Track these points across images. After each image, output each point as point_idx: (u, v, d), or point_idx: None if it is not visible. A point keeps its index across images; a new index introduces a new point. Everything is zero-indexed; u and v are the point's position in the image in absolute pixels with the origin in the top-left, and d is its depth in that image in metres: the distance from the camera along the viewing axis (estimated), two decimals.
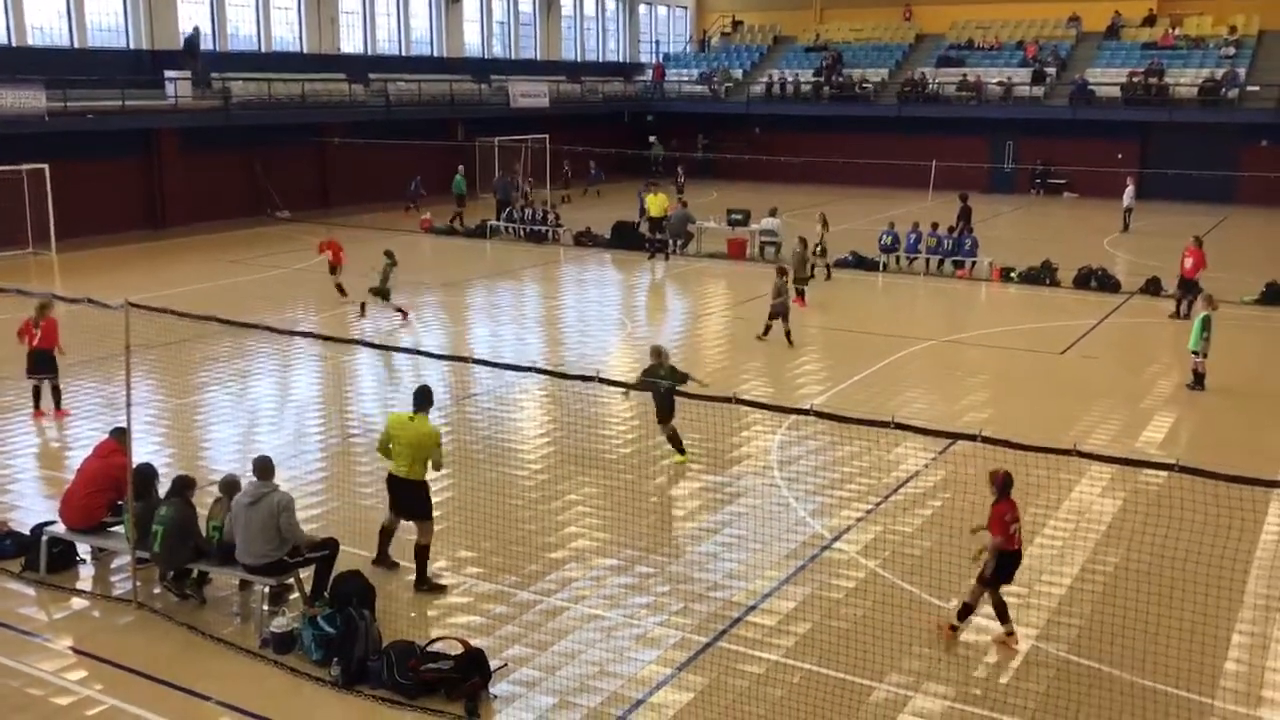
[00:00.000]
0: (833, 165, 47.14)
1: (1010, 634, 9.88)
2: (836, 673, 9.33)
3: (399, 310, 22.24)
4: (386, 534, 11.11)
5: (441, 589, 10.83)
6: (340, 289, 23.94)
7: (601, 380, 9.25)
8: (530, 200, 36.47)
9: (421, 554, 10.81)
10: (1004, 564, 9.74)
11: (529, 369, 10.48)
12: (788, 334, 20.70)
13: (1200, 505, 9.89)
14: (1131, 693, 9.05)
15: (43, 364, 16.01)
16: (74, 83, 31.61)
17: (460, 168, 37.95)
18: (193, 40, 36.76)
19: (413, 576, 10.86)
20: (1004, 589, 9.96)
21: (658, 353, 14.48)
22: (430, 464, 10.73)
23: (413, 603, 10.62)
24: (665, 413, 14.11)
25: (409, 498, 10.79)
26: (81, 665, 9.51)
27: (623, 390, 14.59)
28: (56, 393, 16.24)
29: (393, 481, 10.85)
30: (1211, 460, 7.46)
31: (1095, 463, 13.42)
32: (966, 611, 9.91)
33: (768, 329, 20.96)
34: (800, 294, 23.68)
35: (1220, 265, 28.10)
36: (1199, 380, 17.83)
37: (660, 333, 22.47)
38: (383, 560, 11.13)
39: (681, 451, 14.31)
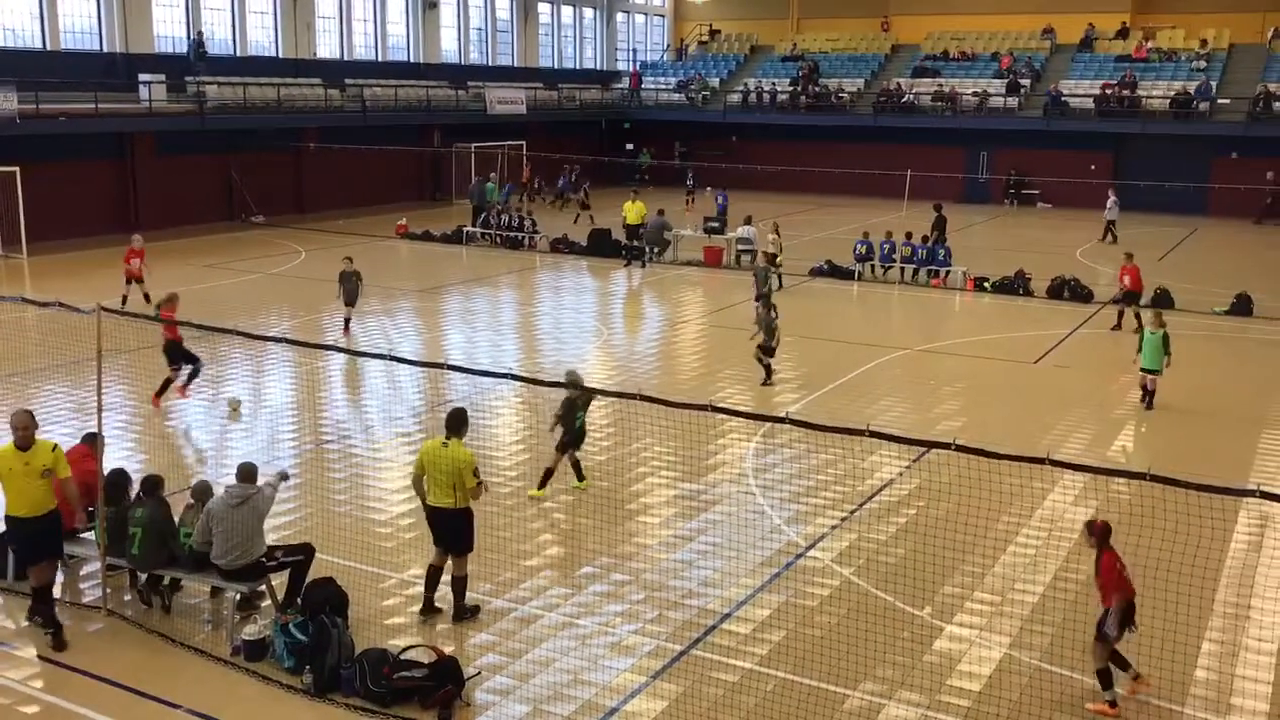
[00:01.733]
0: (809, 174, 47.37)
1: (1137, 677, 9.19)
2: (810, 681, 9.34)
3: (346, 321, 21.55)
4: (435, 573, 10.42)
5: (476, 610, 10.46)
6: (145, 297, 22.57)
7: (579, 388, 9.24)
8: (506, 207, 36.40)
9: (460, 586, 10.35)
10: (1127, 614, 8.97)
11: (505, 375, 10.45)
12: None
13: (1171, 514, 9.98)
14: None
15: None
16: (46, 85, 31.36)
17: (491, 174, 37.77)
18: (199, 44, 37.33)
19: (394, 597, 10.80)
20: (979, 596, 10.00)
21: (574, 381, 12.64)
22: (468, 492, 10.17)
23: (386, 610, 10.57)
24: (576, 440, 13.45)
25: (452, 528, 10.22)
26: (49, 673, 9.41)
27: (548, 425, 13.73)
28: None
29: (433, 514, 10.25)
30: (1182, 469, 7.52)
31: (1068, 472, 13.54)
32: (1107, 676, 8.99)
33: (768, 368, 18.76)
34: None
35: (1191, 277, 28.41)
36: (1149, 398, 17.50)
37: (637, 340, 22.48)
38: (430, 609, 10.41)
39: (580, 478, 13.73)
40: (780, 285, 26.94)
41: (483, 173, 40.04)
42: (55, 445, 9.85)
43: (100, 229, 33.06)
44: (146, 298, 22.95)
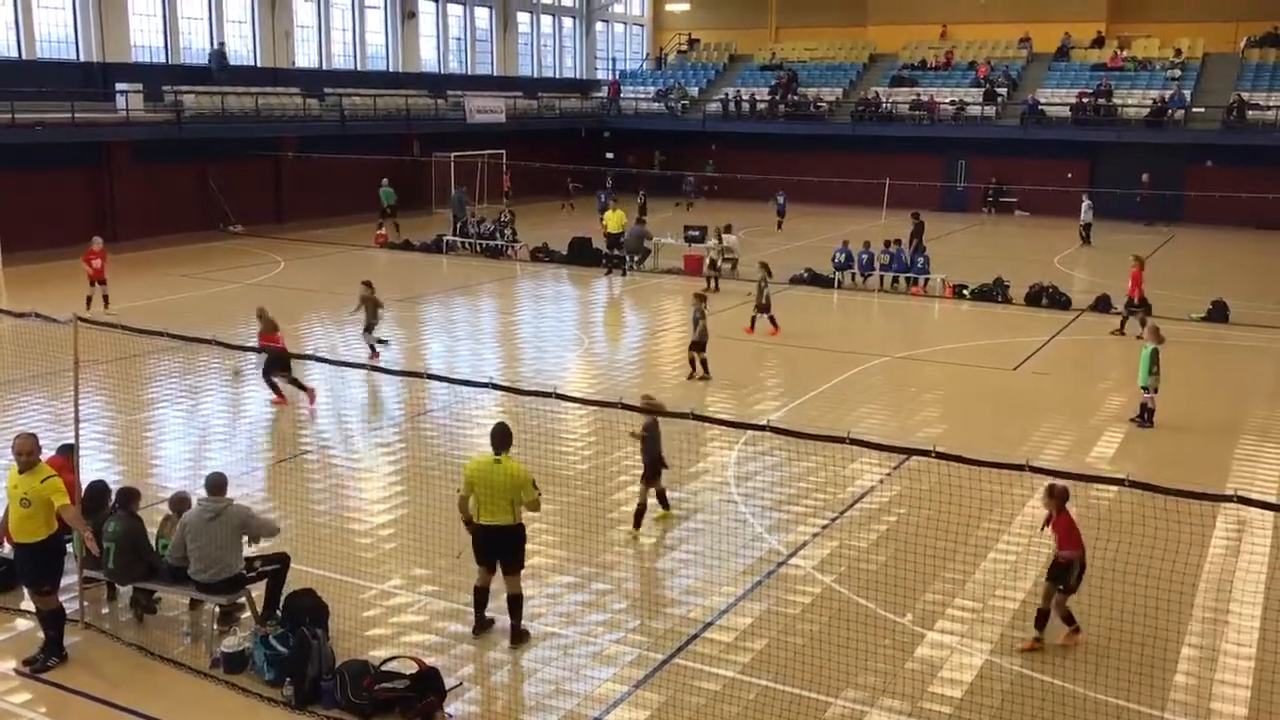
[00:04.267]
0: (788, 182, 47.51)
1: (1076, 631, 10.24)
2: (792, 689, 9.35)
3: (374, 345, 20.53)
4: (483, 594, 10.21)
5: (527, 635, 10.19)
6: (104, 300, 23.44)
7: (560, 396, 9.23)
8: (482, 216, 36.29)
9: (517, 605, 10.11)
10: (1081, 571, 10.09)
11: (485, 384, 10.42)
12: (704, 363, 19.45)
13: (1150, 520, 10.03)
14: (1084, 706, 9.15)
15: None
16: (22, 94, 31.16)
17: (385, 179, 37.89)
18: (220, 55, 38.26)
19: (375, 608, 10.75)
20: (960, 603, 10.03)
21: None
22: (526, 506, 9.98)
23: (367, 621, 10.51)
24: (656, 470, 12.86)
25: (508, 545, 9.99)
26: (26, 687, 9.32)
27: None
28: None
29: (487, 533, 9.95)
30: (1161, 475, 7.57)
31: (1047, 478, 13.59)
32: (1046, 618, 10.18)
33: (693, 363, 19.43)
34: (753, 321, 23.24)
35: (1167, 283, 28.61)
36: (1148, 416, 17.12)
37: (618, 348, 22.46)
38: (483, 625, 10.24)
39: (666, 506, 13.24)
40: (717, 288, 27.18)
41: (463, 182, 40.01)
42: (49, 475, 9.50)
43: (77, 238, 32.52)
44: (106, 300, 23.42)
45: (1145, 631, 9.74)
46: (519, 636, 10.10)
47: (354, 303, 20.41)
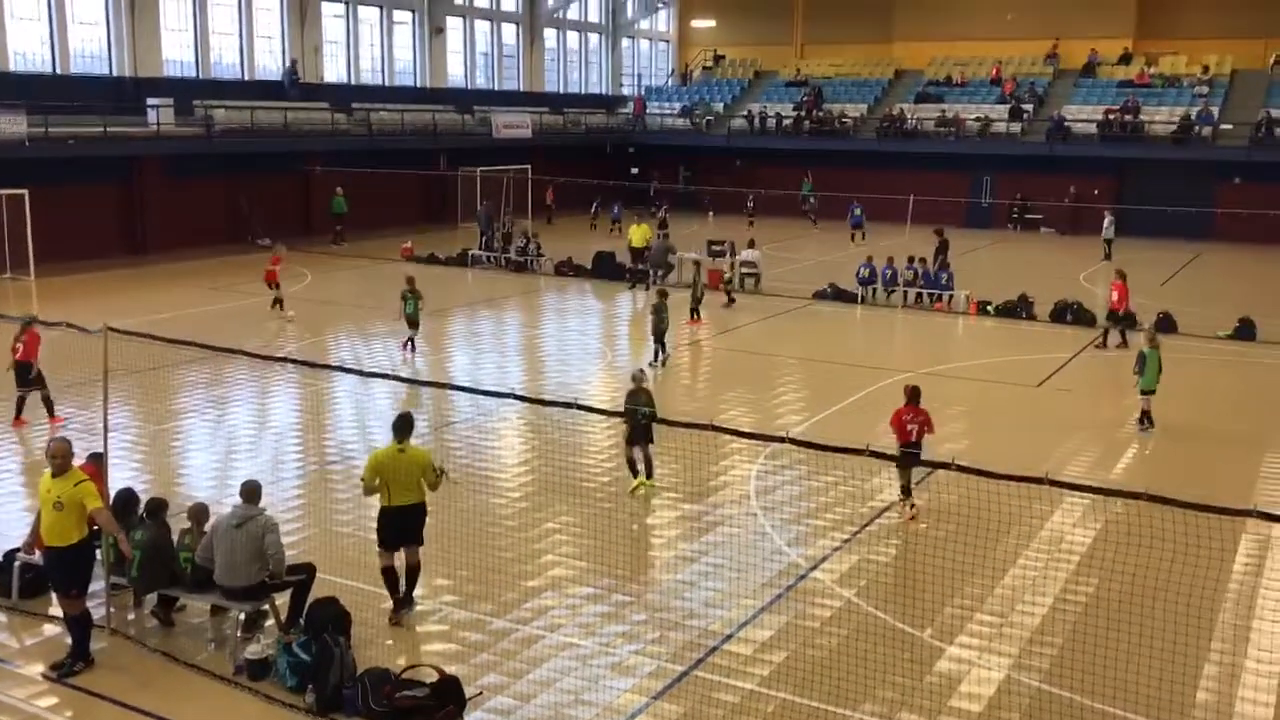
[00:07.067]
0: (812, 198, 47.58)
1: (912, 506, 13.38)
2: (811, 701, 9.35)
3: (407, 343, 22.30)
4: (394, 573, 10.89)
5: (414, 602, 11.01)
6: (278, 303, 25.31)
7: (580, 407, 9.31)
8: (509, 230, 36.52)
9: (415, 572, 10.93)
10: (907, 453, 12.65)
11: (508, 395, 10.51)
12: (661, 350, 21.64)
13: (1172, 536, 9.98)
14: None
15: (22, 377, 16.58)
16: (55, 109, 31.61)
17: (339, 189, 38.43)
18: (292, 72, 39.97)
19: (388, 604, 10.84)
20: (980, 618, 10.01)
21: (637, 379, 14.57)
22: (428, 485, 10.80)
23: (388, 630, 10.60)
24: (642, 435, 14.19)
25: (414, 522, 10.83)
26: (53, 692, 9.44)
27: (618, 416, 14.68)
28: (48, 403, 16.76)
29: (397, 513, 10.72)
30: (1185, 492, 7.56)
31: (1070, 494, 13.56)
32: (908, 490, 13.45)
33: (657, 353, 21.57)
34: (696, 313, 25.71)
35: (1194, 300, 28.47)
36: (1149, 419, 17.63)
37: (640, 362, 22.52)
38: (399, 604, 10.89)
39: (650, 475, 14.39)
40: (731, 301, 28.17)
41: (488, 197, 40.22)
42: (81, 479, 9.64)
43: (107, 252, 33.26)
44: (279, 304, 25.06)
45: (1167, 647, 9.69)
46: (409, 601, 10.95)
47: (396, 307, 22.29)
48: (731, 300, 27.97)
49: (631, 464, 14.35)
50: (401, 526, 10.78)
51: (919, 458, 12.73)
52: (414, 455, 10.76)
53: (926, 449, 13.46)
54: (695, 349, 23.68)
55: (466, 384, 18.88)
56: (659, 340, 21.55)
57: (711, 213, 47.48)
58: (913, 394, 13.73)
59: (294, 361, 15.38)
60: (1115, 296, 23.44)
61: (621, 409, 14.40)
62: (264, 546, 9.91)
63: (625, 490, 14.39)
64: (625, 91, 60.57)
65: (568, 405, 9.21)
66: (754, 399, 19.22)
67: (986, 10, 53.40)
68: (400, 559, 10.89)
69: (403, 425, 10.85)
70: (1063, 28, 51.77)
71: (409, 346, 22.05)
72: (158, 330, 12.97)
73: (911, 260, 29.39)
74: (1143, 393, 17.65)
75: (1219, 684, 9.89)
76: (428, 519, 10.94)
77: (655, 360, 21.50)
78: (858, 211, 42.01)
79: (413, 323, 22.04)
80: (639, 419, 13.25)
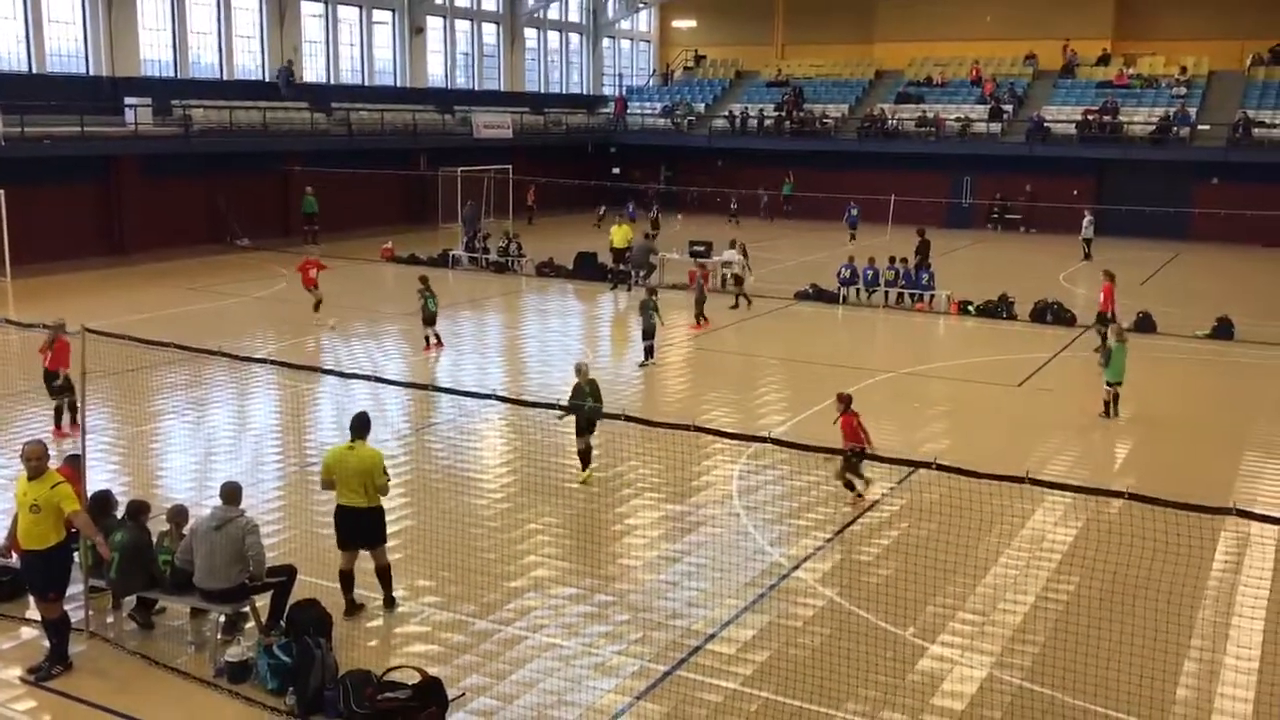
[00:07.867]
0: (793, 198, 47.68)
1: (860, 495, 13.87)
2: (794, 701, 9.36)
3: (427, 339, 22.67)
4: (349, 577, 10.86)
5: (396, 602, 11.01)
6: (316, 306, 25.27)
7: (562, 408, 9.28)
8: (488, 232, 36.42)
9: (386, 574, 10.93)
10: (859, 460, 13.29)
11: (489, 396, 10.48)
12: (650, 349, 21.68)
13: (1152, 534, 10.04)
14: None
15: (51, 385, 16.37)
16: (31, 108, 31.36)
17: (309, 189, 38.33)
18: (288, 73, 39.76)
19: (377, 618, 10.80)
20: (962, 616, 10.03)
21: (581, 371, 14.82)
22: (377, 489, 10.67)
23: (370, 631, 10.55)
24: (586, 426, 14.51)
25: (368, 526, 10.73)
26: (31, 695, 9.36)
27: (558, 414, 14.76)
28: (58, 413, 16.52)
29: (349, 514, 10.69)
30: (1166, 490, 7.59)
31: (1051, 493, 13.61)
32: (851, 484, 13.91)
33: (647, 352, 21.68)
34: (700, 317, 25.47)
35: (1173, 300, 28.64)
36: (1113, 410, 18.31)
37: (622, 362, 22.52)
38: (354, 609, 10.82)
39: (585, 467, 14.68)
40: (738, 304, 27.93)
41: (469, 197, 40.12)
42: (58, 481, 9.57)
43: (85, 252, 33.01)
44: (317, 307, 25.15)
45: (1147, 645, 9.73)
46: (390, 603, 10.95)
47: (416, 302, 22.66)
48: (745, 302, 27.91)
49: (582, 455, 14.63)
50: (351, 526, 10.74)
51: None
52: (362, 454, 10.66)
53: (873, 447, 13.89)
54: (677, 349, 23.68)
55: (448, 384, 18.82)
56: (648, 339, 21.63)
57: (680, 215, 47.16)
58: (847, 401, 14.30)
59: (273, 362, 15.28)
60: (1103, 298, 23.36)
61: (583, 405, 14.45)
62: (244, 548, 9.83)
63: (609, 490, 14.39)
64: (606, 91, 60.53)
65: (549, 406, 9.18)
66: (736, 399, 19.23)
67: (966, 11, 53.62)
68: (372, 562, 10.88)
69: (356, 424, 10.83)
70: (1042, 29, 51.97)
71: (435, 342, 22.62)
72: (136, 331, 12.88)
73: (893, 260, 29.46)
74: (1108, 384, 18.10)
75: (1199, 680, 9.95)
76: (410, 521, 10.90)
77: (647, 360, 21.57)
78: (854, 211, 42.13)
79: (430, 320, 22.46)
80: (586, 412, 13.61)
